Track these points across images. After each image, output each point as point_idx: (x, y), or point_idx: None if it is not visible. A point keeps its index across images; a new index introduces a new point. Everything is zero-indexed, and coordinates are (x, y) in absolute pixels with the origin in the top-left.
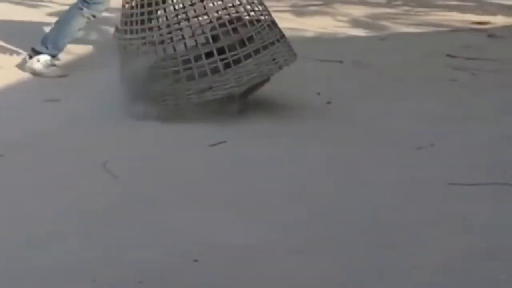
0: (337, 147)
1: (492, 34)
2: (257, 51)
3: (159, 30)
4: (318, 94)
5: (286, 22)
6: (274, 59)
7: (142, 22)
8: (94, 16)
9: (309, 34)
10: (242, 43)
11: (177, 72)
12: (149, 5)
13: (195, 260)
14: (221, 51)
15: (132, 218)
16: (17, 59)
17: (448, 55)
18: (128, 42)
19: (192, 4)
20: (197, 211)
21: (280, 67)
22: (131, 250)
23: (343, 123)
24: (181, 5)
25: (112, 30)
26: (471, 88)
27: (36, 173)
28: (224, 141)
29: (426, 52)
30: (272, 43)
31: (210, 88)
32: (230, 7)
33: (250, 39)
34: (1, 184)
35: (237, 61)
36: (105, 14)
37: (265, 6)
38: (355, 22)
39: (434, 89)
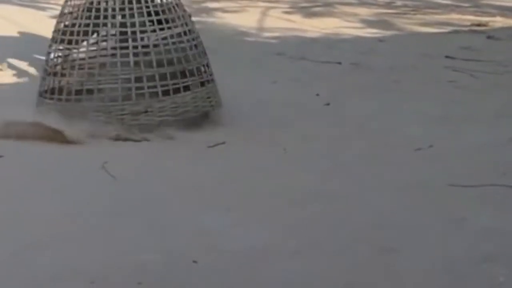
0: (336, 148)
1: (491, 35)
2: (195, 85)
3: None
4: (317, 95)
5: (287, 23)
6: (208, 97)
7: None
8: None
9: (309, 35)
10: (184, 74)
11: (115, 89)
12: (96, 17)
13: (194, 261)
14: (163, 77)
15: (131, 219)
16: None
17: (447, 57)
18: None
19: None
20: (196, 213)
21: (213, 107)
22: (131, 251)
23: (342, 125)
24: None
25: None
26: (470, 90)
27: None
28: (223, 143)
29: (425, 54)
30: (208, 82)
31: (145, 112)
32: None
33: (191, 72)
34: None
35: (176, 91)
36: None
37: (203, 48)
38: (355, 23)
39: (433, 90)
